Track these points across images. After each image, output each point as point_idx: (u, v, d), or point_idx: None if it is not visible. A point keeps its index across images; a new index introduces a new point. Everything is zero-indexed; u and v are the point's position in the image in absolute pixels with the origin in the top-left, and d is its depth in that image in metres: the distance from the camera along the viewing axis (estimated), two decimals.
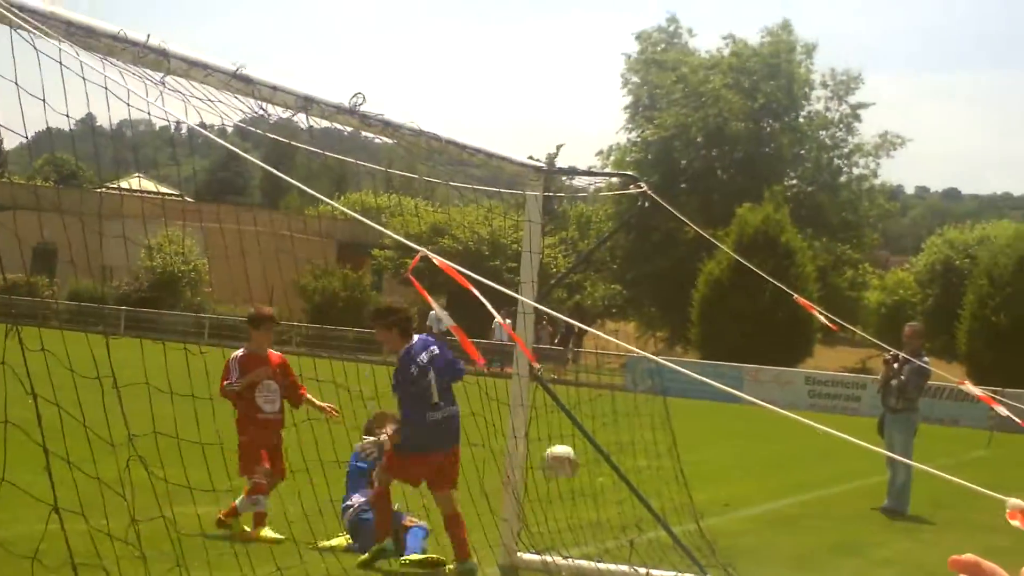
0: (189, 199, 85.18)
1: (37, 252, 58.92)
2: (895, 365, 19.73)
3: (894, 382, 19.71)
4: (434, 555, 12.47)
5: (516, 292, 10.00)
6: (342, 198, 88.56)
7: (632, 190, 13.54)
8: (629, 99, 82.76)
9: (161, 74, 7.34)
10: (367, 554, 12.18)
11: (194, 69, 7.60)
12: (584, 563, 12.54)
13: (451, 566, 12.45)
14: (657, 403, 14.56)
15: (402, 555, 12.41)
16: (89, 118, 8.23)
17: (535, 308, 12.32)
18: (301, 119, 8.61)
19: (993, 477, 23.64)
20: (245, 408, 13.10)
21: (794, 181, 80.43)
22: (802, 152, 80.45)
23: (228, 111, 8.00)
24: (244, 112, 8.20)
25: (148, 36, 7.24)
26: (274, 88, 8.26)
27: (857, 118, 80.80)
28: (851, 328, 19.06)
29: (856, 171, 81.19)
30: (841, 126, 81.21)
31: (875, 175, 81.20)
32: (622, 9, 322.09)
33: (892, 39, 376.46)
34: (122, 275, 60.09)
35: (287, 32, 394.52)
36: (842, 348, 73.14)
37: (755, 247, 56.86)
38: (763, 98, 77.96)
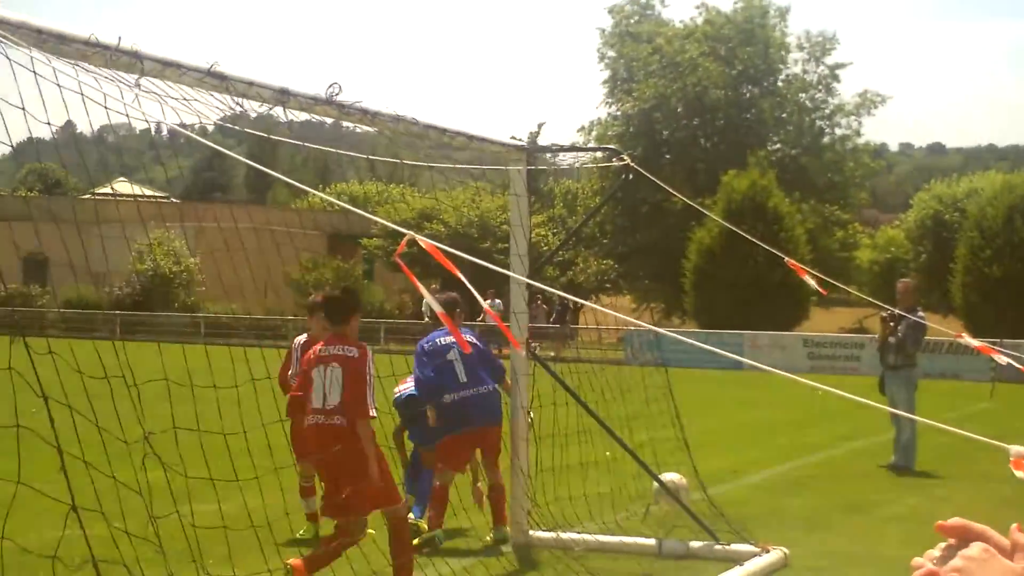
0: (175, 200, 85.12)
1: (28, 262, 59.03)
2: (891, 324, 19.71)
3: (892, 339, 19.70)
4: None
5: (507, 270, 9.98)
6: (327, 189, 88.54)
7: (616, 163, 13.51)
8: (607, 73, 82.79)
9: (136, 76, 7.28)
10: (417, 539, 12.36)
11: (168, 69, 7.54)
12: (597, 537, 12.53)
13: (489, 536, 13.12)
14: (658, 374, 14.55)
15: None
16: (69, 125, 8.18)
17: (528, 285, 12.29)
18: (279, 112, 8.57)
19: (997, 428, 23.66)
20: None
21: (777, 145, 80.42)
22: (783, 116, 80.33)
23: (207, 110, 7.96)
24: (223, 110, 8.16)
25: (120, 39, 7.18)
26: (249, 83, 8.20)
27: (836, 79, 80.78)
28: (844, 288, 19.03)
29: (839, 132, 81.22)
30: (820, 87, 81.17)
31: (858, 134, 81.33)
32: None
33: None
34: (115, 280, 60.09)
35: (258, 24, 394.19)
36: (838, 309, 73.19)
37: (743, 213, 56.86)
38: (740, 64, 77.93)
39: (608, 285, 74.47)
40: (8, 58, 6.36)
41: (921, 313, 19.90)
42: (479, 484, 13.67)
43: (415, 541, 12.13)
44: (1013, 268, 54.45)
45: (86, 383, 7.11)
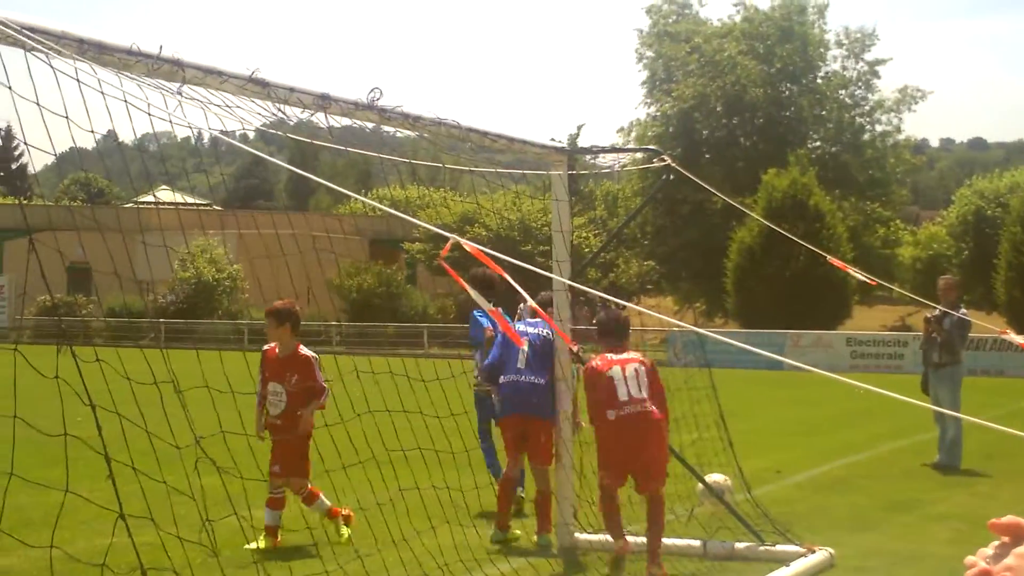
0: (218, 207, 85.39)
1: (72, 272, 59.36)
2: (935, 322, 19.62)
3: (936, 337, 19.60)
4: None
5: (549, 272, 9.99)
6: (368, 194, 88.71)
7: (656, 164, 13.51)
8: (645, 74, 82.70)
9: (178, 84, 7.33)
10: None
11: (209, 76, 7.58)
12: (642, 539, 12.51)
13: (534, 538, 13.12)
14: (702, 375, 14.53)
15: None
16: (111, 134, 8.22)
17: (571, 287, 12.30)
18: (320, 118, 8.60)
19: None
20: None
21: (817, 143, 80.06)
22: (823, 113, 79.93)
23: (248, 116, 7.99)
24: (264, 116, 8.19)
25: (161, 47, 7.23)
26: (290, 89, 8.23)
27: (876, 75, 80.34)
28: (887, 285, 18.95)
29: (879, 128, 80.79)
30: (860, 84, 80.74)
31: (899, 131, 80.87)
32: None
33: None
34: (158, 288, 60.36)
35: (300, 31, 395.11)
36: (881, 307, 72.96)
37: (784, 212, 56.68)
38: (779, 62, 77.63)
39: (650, 286, 74.35)
40: (52, 67, 6.40)
41: (964, 310, 19.81)
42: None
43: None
44: None
45: (134, 389, 7.15)
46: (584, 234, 62.65)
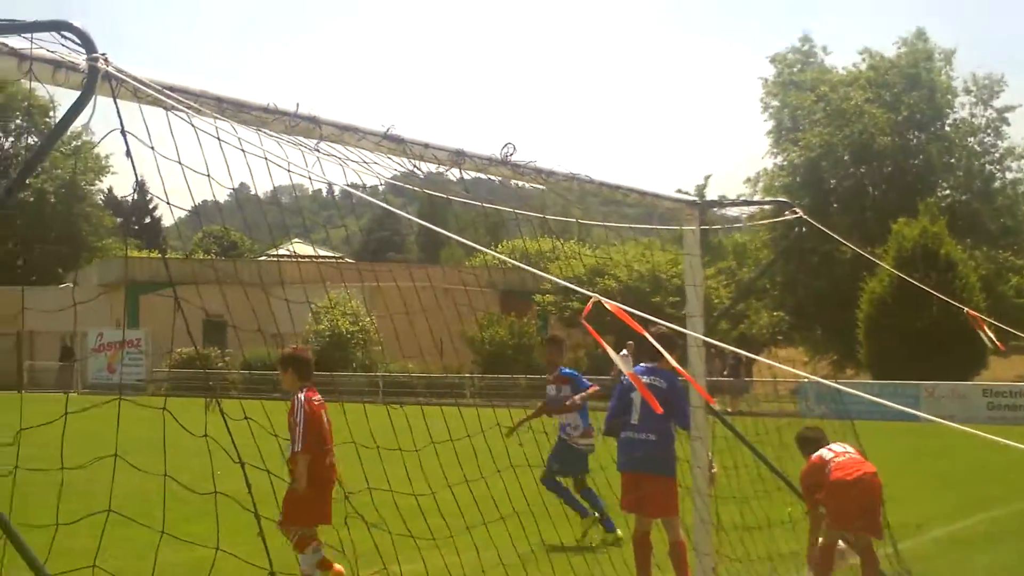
0: (350, 260, 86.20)
1: (208, 324, 60.24)
2: None
3: None
4: None
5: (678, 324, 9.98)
6: (498, 246, 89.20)
7: (788, 216, 13.46)
8: (771, 123, 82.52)
9: (315, 141, 7.45)
10: None
11: (346, 133, 7.70)
12: None
13: None
14: (835, 427, 14.40)
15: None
16: (243, 187, 8.37)
17: (704, 341, 12.27)
18: (453, 173, 8.70)
19: None
20: None
21: (947, 191, 79.18)
22: (952, 161, 79.02)
23: (380, 170, 8.10)
24: (395, 169, 8.29)
25: (298, 105, 7.35)
26: (425, 145, 8.33)
27: (1005, 121, 79.37)
28: (1022, 336, 18.62)
29: (1010, 175, 79.93)
30: (989, 131, 79.85)
31: None
32: (753, 34, 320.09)
33: None
34: (293, 340, 61.05)
35: (433, 87, 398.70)
36: (1017, 357, 71.74)
37: (915, 262, 56.11)
38: (906, 110, 76.96)
39: (780, 337, 73.85)
40: (193, 125, 6.54)
41: None
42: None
43: None
44: None
45: (281, 445, 7.26)
46: (714, 285, 62.43)
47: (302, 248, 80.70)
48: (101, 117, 5.99)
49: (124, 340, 66.02)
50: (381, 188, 8.33)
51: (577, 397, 17.26)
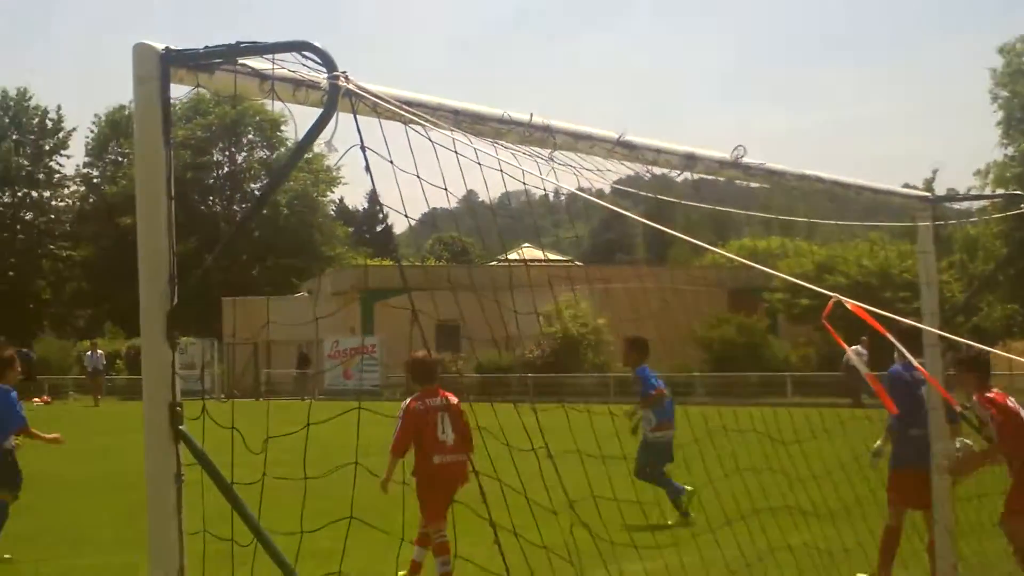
0: (579, 263, 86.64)
1: (441, 330, 61.17)
2: None
3: None
4: None
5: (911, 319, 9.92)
6: (725, 246, 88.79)
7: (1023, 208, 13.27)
8: (1000, 114, 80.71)
9: (549, 150, 7.63)
10: None
11: (580, 141, 7.86)
12: None
13: None
14: None
15: None
16: (471, 195, 8.60)
17: (940, 338, 12.13)
18: (676, 174, 8.80)
19: None
20: None
21: None
22: None
23: (606, 175, 8.22)
24: (621, 173, 8.41)
25: (531, 115, 7.54)
26: (657, 151, 8.44)
27: None
28: None
29: None
30: None
31: None
32: (979, 25, 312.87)
33: None
34: (525, 343, 61.54)
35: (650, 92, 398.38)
36: None
37: None
38: None
39: (1015, 329, 72.30)
40: (430, 139, 6.75)
41: None
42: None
43: None
44: None
45: (511, 451, 7.44)
46: (946, 279, 61.41)
47: (531, 253, 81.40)
48: (336, 132, 6.22)
49: (359, 346, 67.16)
50: (606, 191, 8.46)
51: (640, 401, 18.49)
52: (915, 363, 6.98)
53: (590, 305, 63.27)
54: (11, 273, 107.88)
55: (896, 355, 12.87)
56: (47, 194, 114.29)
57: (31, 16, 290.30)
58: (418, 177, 6.60)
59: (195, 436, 6.34)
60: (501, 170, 6.99)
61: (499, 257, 71.96)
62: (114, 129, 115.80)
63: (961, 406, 13.06)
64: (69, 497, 20.39)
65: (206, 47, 6.20)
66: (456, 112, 7.13)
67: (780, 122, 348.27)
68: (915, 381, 13.03)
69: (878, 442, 13.78)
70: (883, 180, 12.49)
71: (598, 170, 7.89)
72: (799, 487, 11.19)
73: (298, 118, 6.44)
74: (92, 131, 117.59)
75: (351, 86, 6.07)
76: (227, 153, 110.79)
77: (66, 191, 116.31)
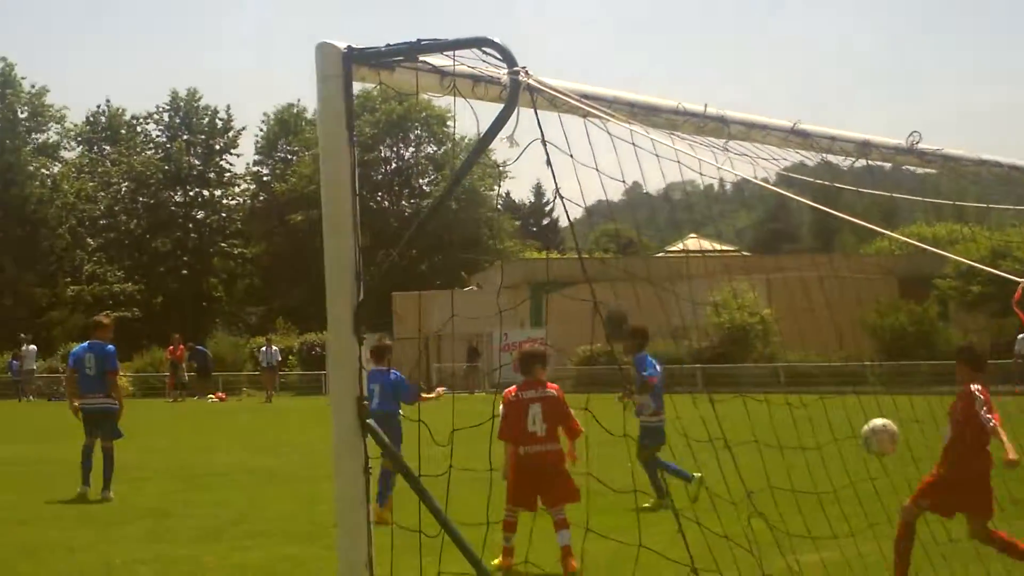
0: (746, 253, 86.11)
1: (611, 321, 61.21)
2: None
3: None
4: None
5: None
6: (894, 232, 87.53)
7: None
8: None
9: (723, 140, 7.67)
10: None
11: (753, 131, 7.89)
12: None
13: None
14: None
15: None
16: (636, 186, 8.64)
17: None
18: (840, 160, 8.76)
19: None
20: None
21: None
22: None
23: (771, 164, 8.22)
24: (786, 160, 8.39)
25: (706, 106, 7.58)
26: (832, 138, 8.43)
27: None
28: None
29: None
30: None
31: None
32: None
33: None
34: (693, 334, 61.23)
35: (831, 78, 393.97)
36: None
37: None
38: None
39: None
40: (608, 132, 6.80)
41: None
42: None
43: None
44: None
45: (691, 445, 7.50)
46: None
47: (696, 243, 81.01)
48: (517, 126, 6.28)
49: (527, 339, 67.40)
50: (771, 179, 8.42)
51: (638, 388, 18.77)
52: None
53: (758, 295, 62.80)
54: (184, 272, 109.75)
55: None
56: (218, 193, 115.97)
57: (200, 19, 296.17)
58: (596, 170, 6.67)
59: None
60: (678, 161, 7.04)
61: (666, 248, 71.77)
62: (283, 128, 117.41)
63: None
64: (241, 492, 20.80)
65: (387, 45, 6.33)
66: (632, 104, 7.20)
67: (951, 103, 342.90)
68: None
69: None
70: None
71: (774, 159, 7.90)
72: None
73: (469, 113, 6.53)
74: (261, 130, 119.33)
75: (532, 81, 6.15)
76: (394, 149, 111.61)
77: (236, 189, 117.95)
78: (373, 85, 6.66)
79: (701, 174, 7.25)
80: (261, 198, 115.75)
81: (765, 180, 8.09)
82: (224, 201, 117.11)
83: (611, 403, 6.93)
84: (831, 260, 75.81)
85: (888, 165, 9.60)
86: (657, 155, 6.94)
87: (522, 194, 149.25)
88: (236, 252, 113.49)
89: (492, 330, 65.69)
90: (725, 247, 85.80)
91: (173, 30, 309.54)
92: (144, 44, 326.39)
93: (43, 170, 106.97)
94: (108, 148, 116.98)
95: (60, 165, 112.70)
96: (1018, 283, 6.05)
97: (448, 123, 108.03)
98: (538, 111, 6.22)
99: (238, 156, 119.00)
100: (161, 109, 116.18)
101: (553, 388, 13.67)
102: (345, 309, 6.42)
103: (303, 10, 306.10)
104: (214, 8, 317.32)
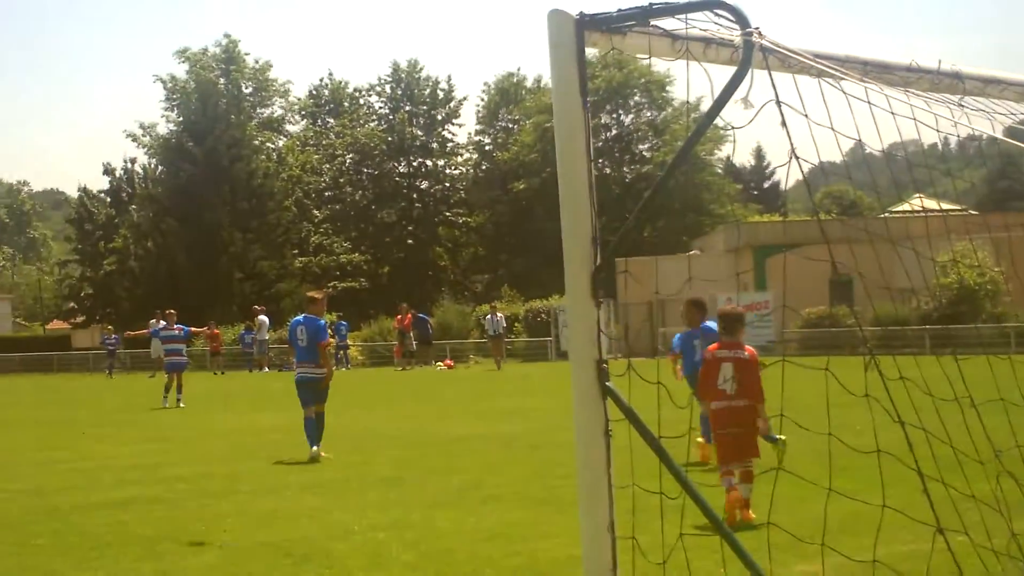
0: (973, 212, 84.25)
1: (833, 285, 60.48)
2: None
3: None
4: None
5: None
6: None
7: None
8: None
9: (958, 96, 7.58)
10: None
11: (989, 86, 7.78)
12: None
13: None
14: None
15: None
16: (858, 147, 8.54)
17: None
18: None
19: None
20: None
21: None
22: None
23: (1007, 118, 8.08)
24: (1014, 115, 8.23)
25: (940, 62, 7.50)
26: None
27: None
28: None
29: None
30: None
31: None
32: None
33: None
34: (920, 295, 60.17)
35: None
36: None
37: None
38: None
39: None
40: (843, 91, 6.77)
41: None
42: None
43: None
44: None
45: (936, 404, 7.42)
46: None
47: (924, 203, 79.44)
48: (752, 87, 6.26)
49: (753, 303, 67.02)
50: (998, 136, 8.23)
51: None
52: None
53: (987, 254, 61.42)
54: (410, 241, 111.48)
55: None
56: (441, 163, 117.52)
57: None
58: (832, 129, 6.63)
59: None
60: (915, 118, 6.98)
61: (890, 209, 70.57)
62: (503, 97, 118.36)
63: None
64: (475, 458, 21.05)
65: (619, 10, 6.38)
66: (865, 63, 7.16)
67: None
68: None
69: None
70: None
71: (1012, 113, 7.79)
72: None
73: (694, 77, 6.53)
74: (482, 99, 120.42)
75: (765, 42, 6.15)
76: (615, 116, 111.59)
77: (459, 159, 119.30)
78: (603, 51, 6.71)
79: (938, 131, 7.18)
80: (483, 167, 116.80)
81: (993, 138, 7.97)
82: (447, 171, 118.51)
83: (851, 366, 6.86)
84: None
85: None
86: (893, 113, 6.90)
87: (742, 158, 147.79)
88: (460, 221, 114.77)
89: (717, 294, 65.50)
90: (953, 207, 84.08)
91: (393, 1, 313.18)
92: (365, 16, 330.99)
93: (268, 144, 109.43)
94: (331, 121, 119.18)
95: (285, 139, 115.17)
96: None
97: (667, 88, 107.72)
98: (771, 72, 6.20)
99: (460, 126, 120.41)
100: (383, 81, 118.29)
101: (750, 350, 14.05)
102: (583, 274, 6.50)
103: None
104: None
